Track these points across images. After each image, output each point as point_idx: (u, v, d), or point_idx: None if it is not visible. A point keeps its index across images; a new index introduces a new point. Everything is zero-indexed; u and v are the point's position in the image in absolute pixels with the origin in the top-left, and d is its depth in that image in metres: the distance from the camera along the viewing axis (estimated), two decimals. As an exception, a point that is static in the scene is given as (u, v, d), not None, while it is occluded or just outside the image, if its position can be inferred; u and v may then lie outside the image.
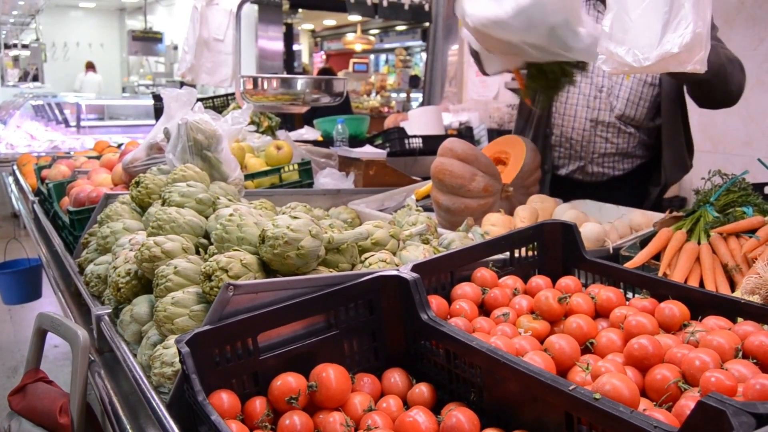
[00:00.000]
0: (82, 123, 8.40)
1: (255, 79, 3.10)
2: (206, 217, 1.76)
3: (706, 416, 0.82)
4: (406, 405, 1.26)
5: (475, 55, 2.51)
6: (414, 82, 13.75)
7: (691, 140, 2.80)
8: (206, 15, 4.59)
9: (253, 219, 1.51)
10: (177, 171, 1.96)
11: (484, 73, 2.56)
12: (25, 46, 14.52)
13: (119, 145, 4.29)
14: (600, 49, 1.93)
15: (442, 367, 1.27)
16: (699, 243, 1.80)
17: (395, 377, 1.31)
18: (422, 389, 1.27)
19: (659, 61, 1.73)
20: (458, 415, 1.13)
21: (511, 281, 1.55)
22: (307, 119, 5.51)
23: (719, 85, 2.38)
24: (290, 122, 5.48)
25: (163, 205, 1.81)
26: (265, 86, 3.06)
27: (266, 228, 1.40)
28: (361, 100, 13.55)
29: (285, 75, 2.92)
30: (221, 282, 1.32)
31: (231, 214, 1.51)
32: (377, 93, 14.90)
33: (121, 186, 2.59)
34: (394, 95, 14.23)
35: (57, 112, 8.75)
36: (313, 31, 18.75)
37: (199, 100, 4.19)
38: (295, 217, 1.42)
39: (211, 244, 1.59)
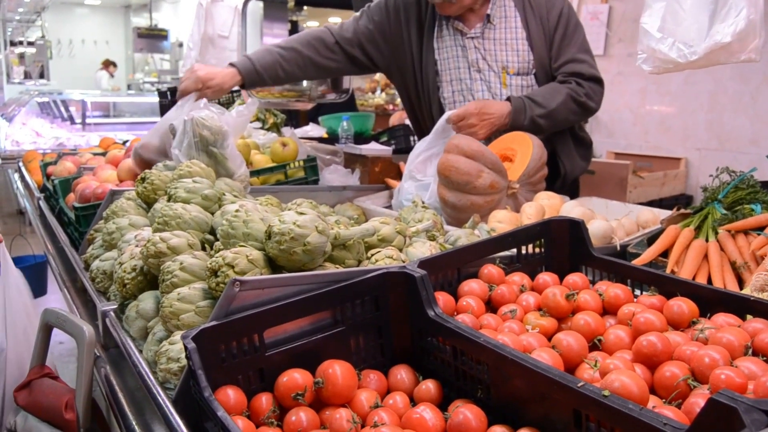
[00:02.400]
0: (88, 120, 8.41)
1: (261, 76, 3.09)
2: (212, 213, 1.76)
3: (718, 413, 0.81)
4: (413, 402, 1.25)
5: None
6: (419, 80, 13.68)
7: (582, 137, 2.87)
8: (211, 12, 4.60)
9: (259, 215, 1.50)
10: (183, 167, 1.95)
11: None
12: (30, 44, 14.54)
13: (124, 142, 4.30)
14: (640, 47, 1.89)
15: (448, 363, 1.26)
16: (707, 240, 1.80)
17: (402, 374, 1.31)
18: (429, 386, 1.26)
19: (708, 54, 1.69)
20: (465, 411, 1.12)
21: (518, 278, 1.54)
22: (311, 117, 5.50)
23: (562, 127, 2.71)
24: (295, 119, 5.48)
25: (168, 201, 1.81)
26: (271, 82, 3.05)
27: (272, 224, 1.40)
28: (366, 97, 13.52)
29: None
30: (227, 278, 1.32)
31: (237, 210, 1.51)
32: (382, 90, 14.87)
33: (127, 182, 2.59)
34: (399, 93, 14.19)
35: (62, 109, 8.77)
36: (318, 29, 18.74)
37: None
38: (301, 213, 1.41)
39: (217, 240, 1.59)
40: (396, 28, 2.83)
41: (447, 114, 2.55)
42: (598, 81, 2.65)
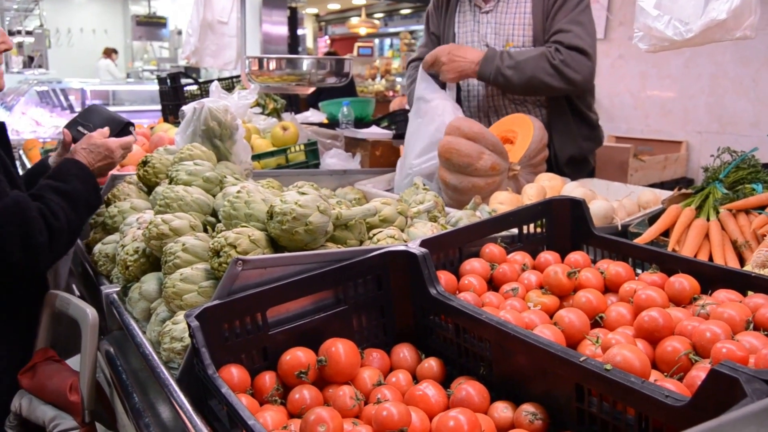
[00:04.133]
0: (87, 108, 8.38)
1: (260, 60, 3.08)
2: (213, 196, 1.76)
3: (719, 384, 0.81)
4: (416, 380, 1.26)
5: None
6: (419, 66, 13.65)
7: (586, 116, 2.82)
8: (210, -3, 4.58)
9: (260, 196, 1.50)
10: (184, 150, 1.95)
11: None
12: (29, 33, 14.46)
13: (124, 129, 4.28)
14: (637, 25, 1.89)
15: (451, 341, 1.27)
16: (708, 219, 1.80)
17: (404, 352, 1.31)
18: (431, 364, 1.27)
19: (704, 31, 1.69)
20: (468, 388, 1.13)
21: (519, 257, 1.54)
22: (311, 103, 5.48)
23: (540, 91, 2.66)
24: (295, 106, 5.47)
25: (170, 183, 1.81)
26: (271, 66, 3.04)
27: (274, 204, 1.40)
28: (365, 84, 13.50)
29: (290, 55, 2.90)
30: (229, 258, 1.32)
31: (239, 191, 1.51)
32: (382, 77, 14.85)
33: (128, 167, 2.59)
34: (399, 79, 14.16)
35: (62, 98, 8.74)
36: (317, 15, 18.64)
37: (203, 83, 4.20)
38: (303, 193, 1.41)
39: (219, 222, 1.59)
40: (440, 11, 2.96)
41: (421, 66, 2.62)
42: (582, 51, 2.55)
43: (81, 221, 1.84)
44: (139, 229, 1.70)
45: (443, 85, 2.66)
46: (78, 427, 1.64)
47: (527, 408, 1.08)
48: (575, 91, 2.71)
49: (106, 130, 2.05)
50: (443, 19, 2.93)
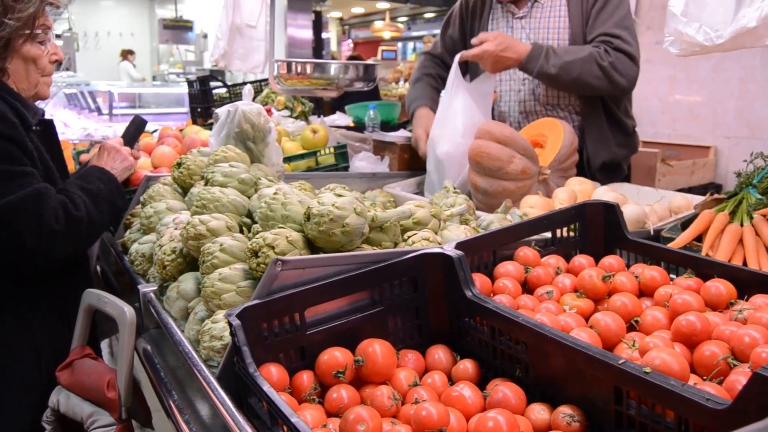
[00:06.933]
0: (115, 111, 8.50)
1: (289, 64, 3.10)
2: (248, 197, 1.78)
3: (762, 388, 0.82)
4: (451, 381, 1.27)
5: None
6: (442, 70, 13.63)
7: (622, 122, 2.78)
8: (239, 1, 4.62)
9: (296, 197, 1.52)
10: (218, 152, 1.98)
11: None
12: (58, 36, 14.67)
13: (153, 131, 4.34)
14: (667, 30, 1.89)
15: (486, 343, 1.28)
16: (742, 225, 1.79)
17: (439, 354, 1.33)
18: (467, 365, 1.28)
19: (734, 38, 1.70)
20: (505, 390, 1.14)
21: (553, 260, 1.55)
22: (335, 107, 5.51)
23: (582, 91, 2.64)
24: (320, 109, 5.50)
25: (206, 185, 1.84)
26: (299, 70, 3.06)
27: (311, 206, 1.42)
28: (389, 87, 13.50)
29: (319, 60, 2.93)
30: (268, 258, 1.34)
31: (275, 193, 1.53)
32: (405, 80, 14.84)
33: (161, 168, 2.63)
34: (422, 83, 14.15)
35: (90, 100, 8.86)
36: (341, 19, 18.72)
37: (230, 86, 4.24)
38: (339, 195, 1.43)
39: (254, 223, 1.61)
40: (468, 18, 2.97)
41: (459, 54, 2.61)
42: (630, 56, 2.53)
43: (102, 217, 1.92)
44: (176, 229, 1.73)
45: (466, 71, 2.68)
46: (115, 424, 1.66)
47: (564, 410, 1.08)
48: (616, 95, 2.70)
49: (119, 138, 2.36)
50: (474, 26, 2.94)
